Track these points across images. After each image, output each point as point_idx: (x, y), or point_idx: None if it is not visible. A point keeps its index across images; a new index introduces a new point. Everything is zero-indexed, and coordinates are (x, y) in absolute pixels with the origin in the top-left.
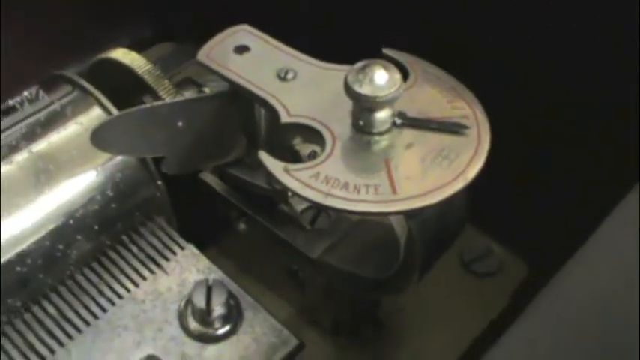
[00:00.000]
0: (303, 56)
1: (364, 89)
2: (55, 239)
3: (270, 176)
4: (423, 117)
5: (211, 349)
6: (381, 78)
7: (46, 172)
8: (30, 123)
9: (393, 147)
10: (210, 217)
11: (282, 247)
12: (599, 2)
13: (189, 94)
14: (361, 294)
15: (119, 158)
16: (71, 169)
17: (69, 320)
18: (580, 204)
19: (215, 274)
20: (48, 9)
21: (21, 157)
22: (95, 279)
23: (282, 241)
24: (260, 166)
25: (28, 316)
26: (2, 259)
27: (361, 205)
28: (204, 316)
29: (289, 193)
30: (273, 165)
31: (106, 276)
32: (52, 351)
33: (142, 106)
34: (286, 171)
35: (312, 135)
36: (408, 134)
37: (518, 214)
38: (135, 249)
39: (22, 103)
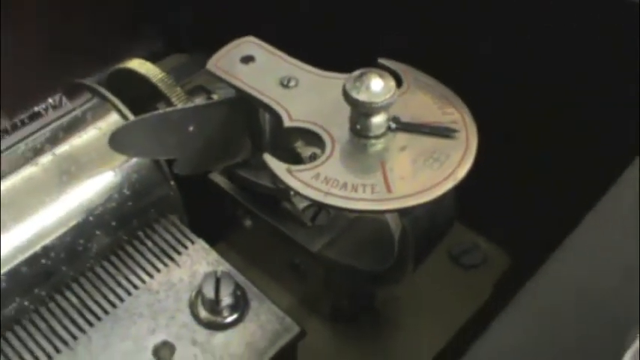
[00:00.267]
0: (305, 65)
1: (361, 96)
2: (77, 234)
3: (274, 176)
4: (415, 122)
5: (220, 336)
6: (376, 85)
7: (68, 173)
8: (53, 127)
9: (387, 149)
10: (218, 214)
11: (285, 242)
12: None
13: (199, 100)
14: (358, 285)
15: (135, 160)
16: (91, 169)
17: (89, 309)
18: (556, 202)
19: (223, 266)
20: (71, 24)
21: (45, 159)
22: (113, 271)
23: (285, 236)
24: (265, 167)
25: (52, 305)
26: (29, 253)
27: (358, 203)
28: (214, 306)
29: (292, 192)
30: (277, 166)
31: (123, 268)
32: (74, 337)
33: (156, 112)
34: (289, 172)
35: (313, 138)
36: (402, 138)
37: (501, 212)
38: (149, 243)
39: (46, 110)
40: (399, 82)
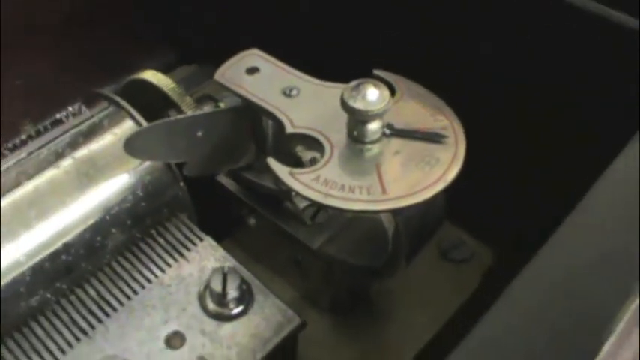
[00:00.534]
0: (305, 76)
1: (358, 104)
2: (95, 232)
3: (276, 179)
4: (408, 128)
5: (226, 327)
6: (372, 95)
7: (87, 175)
8: (73, 133)
9: (382, 154)
10: (225, 213)
11: (287, 239)
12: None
13: (207, 108)
14: (355, 279)
15: (148, 163)
16: (108, 172)
17: (106, 301)
18: (535, 201)
19: (230, 262)
20: (90, 39)
21: (66, 162)
22: (128, 266)
23: (287, 234)
24: (268, 170)
25: (72, 297)
26: (51, 250)
27: (356, 204)
28: (221, 299)
29: (293, 193)
30: (280, 169)
31: (137, 263)
32: (92, 326)
33: (167, 119)
34: (291, 174)
35: (313, 143)
36: (396, 143)
37: (486, 210)
38: (161, 240)
39: (67, 117)
40: (392, 92)
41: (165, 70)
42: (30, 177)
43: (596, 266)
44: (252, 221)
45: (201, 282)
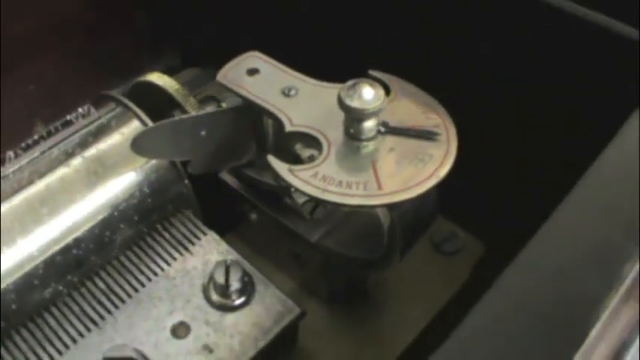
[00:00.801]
0: (304, 77)
1: (354, 103)
2: (104, 227)
3: (276, 175)
4: (402, 126)
5: (230, 317)
6: (368, 94)
7: (95, 173)
8: (83, 134)
9: (378, 151)
10: (228, 209)
11: (287, 233)
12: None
13: (210, 108)
14: (352, 271)
15: (154, 161)
16: (115, 170)
17: (115, 293)
18: (526, 197)
19: (232, 255)
20: (99, 44)
21: (76, 161)
22: (135, 260)
23: (287, 228)
24: (268, 167)
25: (83, 290)
26: (62, 244)
27: (352, 199)
28: (224, 290)
29: (292, 189)
30: (279, 166)
31: (144, 257)
32: (102, 317)
33: (172, 119)
34: (290, 171)
35: (312, 141)
36: (390, 140)
37: (477, 204)
38: (167, 235)
39: (77, 118)
40: (387, 91)
41: (170, 72)
42: (42, 175)
43: (583, 256)
44: (253, 216)
45: (205, 275)
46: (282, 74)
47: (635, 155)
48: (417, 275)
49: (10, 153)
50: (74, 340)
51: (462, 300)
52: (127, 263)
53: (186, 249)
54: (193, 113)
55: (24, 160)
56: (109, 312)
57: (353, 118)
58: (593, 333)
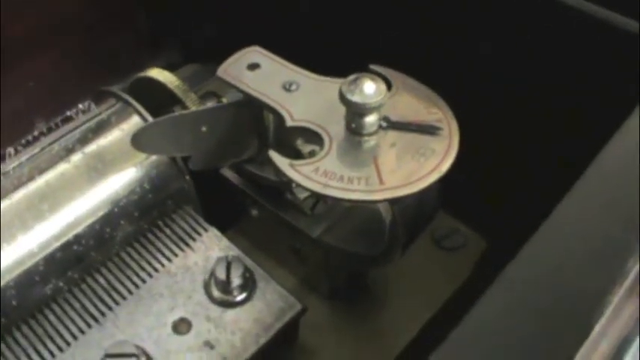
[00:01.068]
0: (304, 71)
1: (355, 98)
2: (104, 224)
3: (278, 170)
4: (403, 120)
5: (231, 313)
6: (369, 88)
7: (95, 169)
8: (83, 130)
9: (379, 146)
10: (229, 205)
11: (288, 228)
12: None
13: (211, 104)
14: (353, 267)
15: (154, 157)
16: (116, 166)
17: (116, 289)
18: (525, 192)
19: (233, 251)
20: (99, 41)
21: (76, 157)
22: (136, 256)
23: (288, 224)
24: (269, 162)
25: (83, 286)
26: (63, 240)
27: (354, 194)
28: (225, 286)
29: (293, 185)
30: (281, 161)
31: (145, 253)
32: (102, 314)
33: (173, 115)
34: (291, 166)
35: (313, 136)
36: (392, 135)
37: (479, 199)
38: (168, 231)
39: (77, 113)
40: (389, 86)
41: (170, 68)
42: (42, 171)
43: (585, 252)
44: (254, 212)
45: (207, 271)
46: (282, 69)
47: (636, 152)
48: (419, 271)
49: (10, 150)
50: (75, 337)
51: (463, 296)
52: (127, 259)
53: (187, 245)
54: (194, 109)
55: (24, 156)
56: (110, 308)
57: (354, 112)
58: (597, 329)
